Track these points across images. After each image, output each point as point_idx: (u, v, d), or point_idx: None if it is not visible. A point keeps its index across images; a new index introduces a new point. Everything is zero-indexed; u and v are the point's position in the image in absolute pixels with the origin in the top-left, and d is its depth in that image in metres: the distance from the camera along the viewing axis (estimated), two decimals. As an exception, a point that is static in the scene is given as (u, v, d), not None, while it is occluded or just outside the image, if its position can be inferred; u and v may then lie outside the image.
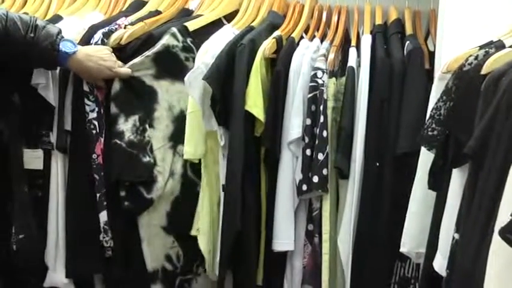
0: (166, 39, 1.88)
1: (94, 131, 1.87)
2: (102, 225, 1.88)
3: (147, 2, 2.06)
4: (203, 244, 1.89)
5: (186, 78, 1.81)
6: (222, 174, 1.87)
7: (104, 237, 1.89)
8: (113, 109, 1.86)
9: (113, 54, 1.87)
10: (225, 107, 1.82)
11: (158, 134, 1.90)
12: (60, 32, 1.81)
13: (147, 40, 1.89)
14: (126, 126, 1.85)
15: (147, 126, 1.88)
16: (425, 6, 2.01)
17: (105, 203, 1.88)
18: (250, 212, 1.84)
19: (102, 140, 1.88)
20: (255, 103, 1.80)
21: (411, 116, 1.74)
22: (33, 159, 1.89)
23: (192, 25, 1.95)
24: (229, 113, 1.82)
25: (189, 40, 1.91)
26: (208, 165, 1.89)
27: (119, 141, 1.85)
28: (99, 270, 1.95)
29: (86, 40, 1.88)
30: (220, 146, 1.84)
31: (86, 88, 1.86)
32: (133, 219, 1.91)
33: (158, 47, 1.88)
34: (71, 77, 1.88)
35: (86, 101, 1.86)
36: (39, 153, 1.90)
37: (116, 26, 1.89)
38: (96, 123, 1.87)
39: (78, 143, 1.89)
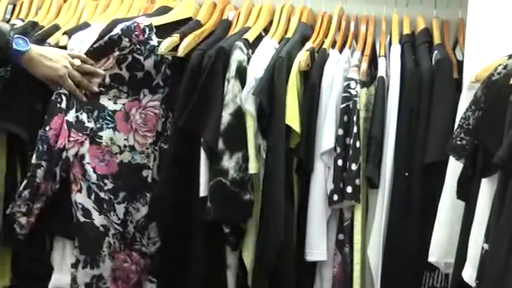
0: (236, 54, 1.84)
1: (59, 105, 1.84)
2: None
3: (172, 8, 2.07)
4: (248, 258, 1.89)
5: (243, 94, 1.81)
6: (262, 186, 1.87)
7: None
8: (220, 145, 1.81)
9: (70, 59, 1.86)
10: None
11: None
12: (12, 29, 1.82)
13: (218, 55, 1.85)
14: (231, 164, 1.82)
15: (248, 162, 1.84)
16: (453, 16, 2.01)
17: (29, 174, 1.81)
18: (289, 223, 1.84)
19: (65, 115, 1.84)
20: (292, 116, 1.81)
21: (440, 125, 1.74)
22: None
23: (249, 37, 1.94)
24: (269, 126, 1.83)
25: (250, 52, 1.89)
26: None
27: (223, 180, 1.82)
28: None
29: (104, 32, 1.87)
30: (263, 158, 1.85)
31: None
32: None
33: (235, 64, 1.83)
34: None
35: None
36: None
37: (135, 24, 1.88)
38: (64, 98, 1.84)
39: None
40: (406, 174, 1.79)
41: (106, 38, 1.86)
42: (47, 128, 1.82)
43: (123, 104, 1.91)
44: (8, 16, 2.14)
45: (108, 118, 1.90)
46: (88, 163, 1.87)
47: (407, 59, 1.87)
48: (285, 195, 1.83)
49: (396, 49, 1.91)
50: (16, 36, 1.81)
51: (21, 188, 1.82)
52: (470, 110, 1.52)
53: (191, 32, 1.95)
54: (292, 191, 1.87)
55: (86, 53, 1.87)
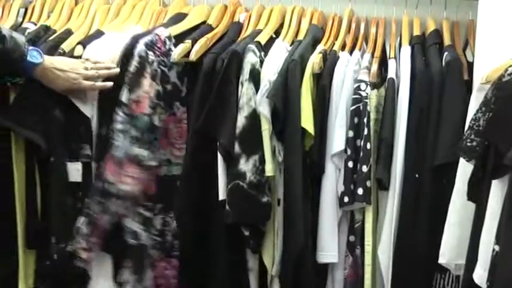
0: (249, 57, 1.84)
1: (112, 141, 1.83)
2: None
3: (187, 14, 2.07)
4: (268, 261, 1.90)
5: (257, 97, 1.82)
6: (279, 189, 1.88)
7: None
8: (237, 149, 1.82)
9: (84, 64, 1.87)
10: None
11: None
12: (27, 40, 1.83)
13: (231, 58, 1.84)
14: (248, 166, 1.83)
15: (264, 165, 1.84)
16: (463, 17, 2.01)
17: (86, 210, 1.83)
18: (307, 226, 1.84)
19: (114, 151, 1.83)
20: (307, 119, 1.82)
21: (450, 127, 1.74)
22: (73, 171, 1.91)
23: (261, 40, 1.94)
24: (285, 128, 1.83)
25: (263, 55, 1.89)
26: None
27: (241, 183, 1.82)
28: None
29: (128, 51, 1.87)
30: (278, 161, 1.86)
31: (124, 100, 1.83)
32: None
33: (248, 67, 1.83)
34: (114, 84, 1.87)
35: (119, 111, 1.83)
36: (78, 165, 1.91)
37: (156, 37, 1.89)
38: (120, 134, 1.83)
39: (100, 148, 1.87)
40: (417, 175, 1.79)
41: (136, 57, 1.84)
42: (101, 163, 1.84)
43: (163, 121, 1.91)
44: (20, 19, 2.15)
45: (155, 139, 1.90)
46: None
47: (417, 60, 1.87)
48: (303, 197, 1.83)
49: (406, 51, 1.91)
50: (31, 48, 1.81)
51: (79, 224, 1.83)
52: (481, 111, 1.52)
53: (202, 36, 1.95)
54: (308, 193, 1.87)
55: (129, 81, 1.85)
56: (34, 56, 1.81)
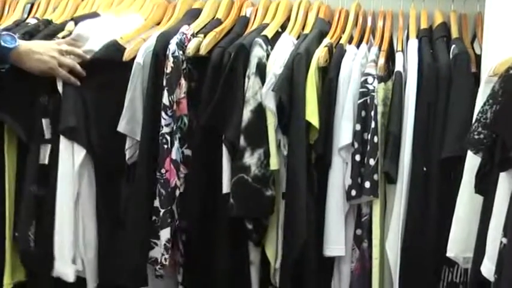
0: (256, 51, 1.85)
1: (166, 146, 1.87)
2: (163, 242, 1.87)
3: (201, 10, 2.08)
4: (271, 254, 1.90)
5: (263, 90, 1.82)
6: (284, 183, 1.88)
7: (162, 254, 1.88)
8: (242, 142, 1.82)
9: (59, 47, 1.88)
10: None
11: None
12: (3, 29, 1.85)
13: (238, 52, 1.84)
14: (252, 160, 1.84)
15: (269, 159, 1.84)
16: (471, 9, 2.00)
17: (169, 220, 1.87)
18: (310, 219, 1.84)
19: (171, 155, 1.88)
20: (312, 112, 1.82)
21: (457, 119, 1.74)
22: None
23: (268, 34, 1.94)
24: (289, 122, 1.83)
25: (269, 49, 1.90)
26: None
27: (245, 176, 1.83)
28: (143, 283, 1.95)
29: (161, 52, 1.87)
30: (283, 155, 1.86)
31: (166, 102, 1.85)
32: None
33: (255, 61, 1.84)
34: (148, 89, 1.88)
35: (163, 114, 1.86)
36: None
37: (184, 36, 1.90)
38: (168, 138, 1.87)
39: (149, 155, 1.89)
40: (424, 168, 1.78)
41: (171, 58, 1.85)
42: (163, 171, 1.86)
43: (189, 117, 1.93)
44: (25, 15, 2.16)
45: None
46: None
47: (424, 53, 1.86)
48: (307, 191, 1.83)
49: (413, 44, 1.90)
50: (4, 33, 1.82)
51: (168, 236, 1.87)
52: (488, 103, 1.51)
53: (212, 30, 1.96)
54: (313, 187, 1.87)
55: (167, 82, 1.85)
56: (7, 40, 1.83)
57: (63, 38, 1.95)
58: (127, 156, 1.93)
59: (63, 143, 1.88)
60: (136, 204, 1.91)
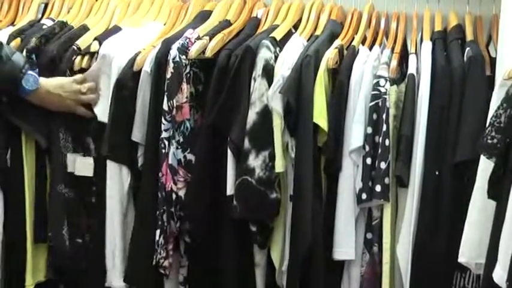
0: (263, 53, 1.83)
1: (164, 150, 1.87)
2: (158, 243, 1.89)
3: (211, 12, 2.07)
4: (276, 257, 1.89)
5: (269, 92, 1.81)
6: (290, 185, 1.86)
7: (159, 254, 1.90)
8: (246, 144, 1.81)
9: (77, 86, 1.91)
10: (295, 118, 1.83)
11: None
12: (25, 64, 1.85)
13: (244, 54, 1.83)
14: (257, 162, 1.82)
15: (274, 161, 1.83)
16: (487, 12, 1.98)
17: (159, 223, 1.88)
18: (318, 222, 1.82)
19: (168, 160, 1.88)
20: (320, 114, 1.80)
21: (471, 123, 1.71)
22: (84, 166, 1.95)
23: (277, 35, 1.93)
24: (297, 124, 1.82)
25: (278, 50, 1.89)
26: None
27: (249, 179, 1.81)
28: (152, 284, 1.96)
29: (162, 58, 1.88)
30: (290, 157, 1.84)
31: (165, 107, 1.86)
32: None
33: (261, 63, 1.82)
34: (151, 95, 1.89)
35: (163, 119, 1.87)
36: (90, 160, 1.95)
37: (187, 40, 1.89)
38: (166, 143, 1.87)
39: (151, 159, 1.90)
40: (437, 172, 1.76)
41: (171, 63, 1.85)
42: (160, 175, 1.87)
43: (196, 120, 1.93)
44: (39, 15, 2.15)
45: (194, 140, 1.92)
46: None
47: (438, 56, 1.84)
48: (313, 194, 1.81)
49: (427, 46, 1.88)
50: (29, 73, 1.84)
51: (157, 238, 1.87)
52: (502, 107, 1.49)
53: (219, 32, 1.95)
54: (321, 190, 1.85)
55: (168, 87, 1.86)
56: (29, 82, 1.84)
57: (88, 57, 1.95)
58: (139, 163, 1.94)
59: (110, 163, 1.92)
60: (142, 207, 1.93)
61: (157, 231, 1.88)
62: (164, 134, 1.88)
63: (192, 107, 1.91)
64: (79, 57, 1.95)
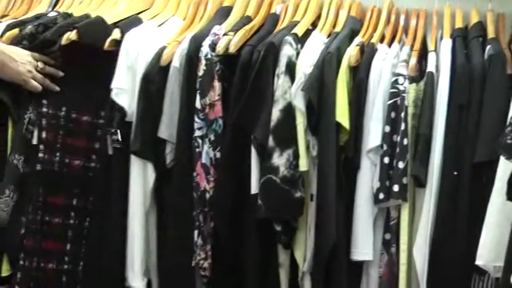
0: (286, 49, 1.81)
1: (197, 149, 1.86)
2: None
3: (231, 8, 2.06)
4: (300, 257, 1.87)
5: (292, 90, 1.79)
6: (313, 184, 1.84)
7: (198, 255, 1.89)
8: (270, 142, 1.79)
9: (33, 60, 1.88)
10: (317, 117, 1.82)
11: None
12: None
13: (267, 51, 1.81)
14: (281, 161, 1.81)
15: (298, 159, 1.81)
16: (510, 9, 1.94)
17: (196, 223, 1.87)
18: (340, 222, 1.81)
19: (202, 159, 1.87)
20: (342, 113, 1.78)
21: (491, 123, 1.69)
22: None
23: (298, 32, 1.91)
24: (319, 122, 1.80)
25: (299, 47, 1.87)
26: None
27: (274, 177, 1.80)
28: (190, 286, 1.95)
29: (192, 54, 1.86)
30: (312, 156, 1.83)
31: (197, 105, 1.85)
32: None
33: (284, 59, 1.81)
34: (182, 92, 1.88)
35: (196, 118, 1.86)
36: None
37: (216, 37, 1.89)
38: (200, 141, 1.86)
39: (184, 158, 1.89)
40: (455, 173, 1.73)
41: (203, 61, 1.84)
42: (195, 174, 1.86)
43: (223, 118, 1.91)
44: (50, 9, 2.15)
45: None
46: None
47: (458, 53, 1.81)
48: (336, 193, 1.79)
49: (447, 43, 1.85)
50: None
51: (195, 239, 1.87)
52: (522, 107, 1.46)
53: (241, 28, 1.94)
54: (342, 189, 1.83)
55: (200, 85, 1.85)
56: None
57: (75, 32, 1.92)
58: (167, 161, 1.92)
59: (135, 160, 1.91)
60: (176, 207, 1.91)
61: (196, 232, 1.87)
62: (197, 133, 1.86)
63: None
64: (68, 32, 1.91)
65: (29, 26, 1.94)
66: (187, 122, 1.87)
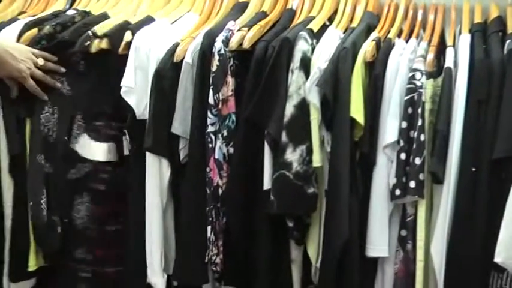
0: (301, 45, 1.80)
1: (210, 145, 1.86)
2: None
3: (248, 3, 2.05)
4: (313, 253, 1.87)
5: (306, 85, 1.79)
6: (325, 179, 1.84)
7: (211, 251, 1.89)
8: (284, 138, 1.79)
9: (34, 57, 1.89)
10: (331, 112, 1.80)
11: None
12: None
13: (282, 46, 1.81)
14: (294, 156, 1.80)
15: (311, 155, 1.80)
16: (530, 3, 1.91)
17: (210, 219, 1.87)
18: (353, 218, 1.79)
19: (215, 155, 1.87)
20: (357, 108, 1.77)
21: (510, 118, 1.66)
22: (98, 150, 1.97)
23: (314, 27, 1.91)
24: (333, 118, 1.79)
25: (315, 42, 1.86)
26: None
27: (287, 173, 1.79)
28: (203, 281, 1.95)
29: (206, 50, 1.86)
30: (326, 151, 1.82)
31: (211, 101, 1.85)
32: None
33: (299, 55, 1.79)
34: (196, 88, 1.87)
35: (209, 113, 1.86)
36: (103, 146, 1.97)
37: (230, 33, 1.88)
38: (213, 137, 1.86)
39: (197, 153, 1.89)
40: (473, 169, 1.71)
41: (216, 56, 1.84)
42: (208, 170, 1.86)
43: (236, 114, 1.91)
44: (68, 6, 2.16)
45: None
46: None
47: (477, 48, 1.79)
48: (349, 189, 1.78)
49: (465, 38, 1.83)
50: None
51: (208, 234, 1.87)
52: (542, 102, 1.44)
53: (256, 23, 1.93)
54: (356, 185, 1.82)
55: (213, 80, 1.85)
56: None
57: (105, 40, 1.93)
58: (181, 157, 1.92)
59: (150, 157, 1.91)
60: (190, 203, 1.91)
61: (209, 228, 1.87)
62: (210, 128, 1.86)
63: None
64: (96, 40, 1.93)
65: (47, 26, 1.95)
66: (200, 118, 1.87)
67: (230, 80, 1.86)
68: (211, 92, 1.85)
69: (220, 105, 1.86)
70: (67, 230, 1.98)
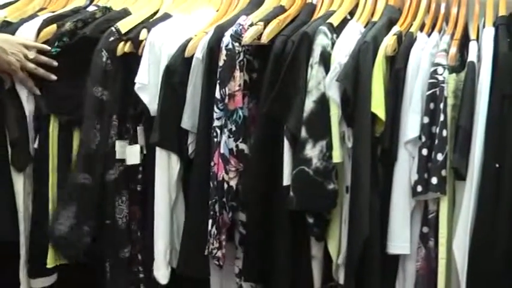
0: (320, 39, 1.78)
1: (216, 139, 1.86)
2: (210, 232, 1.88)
3: None
4: (333, 249, 1.86)
5: (326, 80, 1.77)
6: (348, 176, 1.82)
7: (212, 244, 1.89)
8: (303, 133, 1.77)
9: (25, 50, 1.88)
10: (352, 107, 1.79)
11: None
12: None
13: (301, 41, 1.79)
14: (314, 152, 1.79)
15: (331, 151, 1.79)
16: (556, -5, 1.87)
17: (211, 213, 1.87)
18: (374, 215, 1.78)
19: (220, 149, 1.86)
20: (378, 103, 1.75)
21: (535, 113, 1.63)
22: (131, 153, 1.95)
23: (334, 22, 1.89)
24: (354, 113, 1.78)
25: (335, 37, 1.84)
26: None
27: (306, 169, 1.78)
28: (204, 274, 1.96)
29: (215, 44, 1.86)
30: (347, 147, 1.81)
31: (217, 95, 1.85)
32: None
33: (318, 49, 1.78)
34: (203, 82, 1.87)
35: (215, 108, 1.85)
36: (137, 148, 1.95)
37: (240, 27, 1.87)
38: (218, 131, 1.86)
39: (203, 147, 1.89)
40: (497, 165, 1.69)
41: (224, 51, 1.83)
42: (212, 164, 1.86)
43: (250, 109, 1.91)
44: (88, 2, 2.16)
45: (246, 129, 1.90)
46: None
47: (501, 42, 1.75)
48: (371, 186, 1.76)
49: (489, 32, 1.79)
50: None
51: (209, 228, 1.87)
52: None
53: (274, 18, 1.91)
54: (377, 181, 1.80)
55: (220, 75, 1.84)
56: None
57: (130, 43, 1.93)
58: (189, 151, 1.92)
59: (159, 151, 1.91)
60: (193, 196, 1.91)
61: (210, 221, 1.87)
62: (216, 123, 1.86)
63: (245, 95, 1.88)
64: (121, 43, 1.93)
65: (68, 23, 1.96)
66: (206, 112, 1.87)
67: (238, 74, 1.85)
68: (217, 86, 1.84)
69: (226, 100, 1.85)
70: (109, 231, 2.00)
